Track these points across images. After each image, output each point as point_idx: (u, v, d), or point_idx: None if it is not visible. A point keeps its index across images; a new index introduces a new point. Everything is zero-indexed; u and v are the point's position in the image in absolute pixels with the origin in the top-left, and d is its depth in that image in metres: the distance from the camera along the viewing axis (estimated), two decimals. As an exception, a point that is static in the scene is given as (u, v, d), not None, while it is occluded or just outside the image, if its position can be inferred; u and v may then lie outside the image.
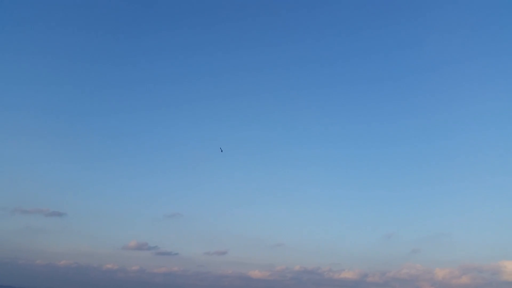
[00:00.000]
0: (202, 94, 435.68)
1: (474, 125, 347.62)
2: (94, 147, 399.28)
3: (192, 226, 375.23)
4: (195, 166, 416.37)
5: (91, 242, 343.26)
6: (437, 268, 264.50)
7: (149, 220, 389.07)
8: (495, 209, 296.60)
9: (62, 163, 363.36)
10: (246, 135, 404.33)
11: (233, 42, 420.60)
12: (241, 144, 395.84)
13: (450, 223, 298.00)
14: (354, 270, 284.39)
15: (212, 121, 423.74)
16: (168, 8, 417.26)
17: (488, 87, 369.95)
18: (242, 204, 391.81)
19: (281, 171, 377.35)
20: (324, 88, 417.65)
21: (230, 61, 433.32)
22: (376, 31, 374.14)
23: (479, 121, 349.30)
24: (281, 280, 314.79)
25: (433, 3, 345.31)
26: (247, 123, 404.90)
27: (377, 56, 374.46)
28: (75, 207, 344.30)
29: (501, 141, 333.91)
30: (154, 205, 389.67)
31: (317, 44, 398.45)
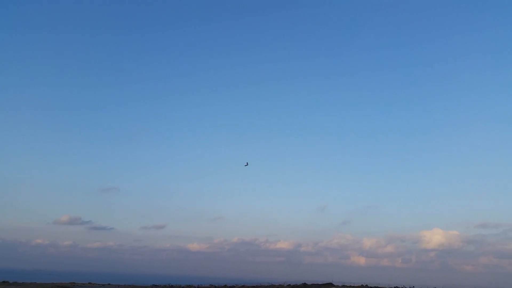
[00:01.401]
0: (141, 73, 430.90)
1: (401, 105, 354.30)
2: (25, 118, 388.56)
3: (128, 200, 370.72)
4: (132, 139, 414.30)
5: (18, 216, 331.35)
6: (365, 238, 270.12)
7: (83, 194, 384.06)
8: (417, 184, 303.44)
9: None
10: (186, 112, 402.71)
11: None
12: (181, 119, 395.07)
13: (378, 196, 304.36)
14: (289, 241, 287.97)
15: (152, 96, 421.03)
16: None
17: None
18: (181, 178, 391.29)
19: (219, 146, 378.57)
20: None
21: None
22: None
23: (406, 102, 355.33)
24: (220, 252, 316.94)
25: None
26: (187, 101, 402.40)
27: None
28: (1, 179, 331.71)
29: (424, 121, 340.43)
30: (88, 178, 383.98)
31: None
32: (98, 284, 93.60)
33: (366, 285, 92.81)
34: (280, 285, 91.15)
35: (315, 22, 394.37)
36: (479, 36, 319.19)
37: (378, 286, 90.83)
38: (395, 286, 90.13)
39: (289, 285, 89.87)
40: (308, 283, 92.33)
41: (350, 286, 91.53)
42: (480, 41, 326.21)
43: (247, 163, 39.53)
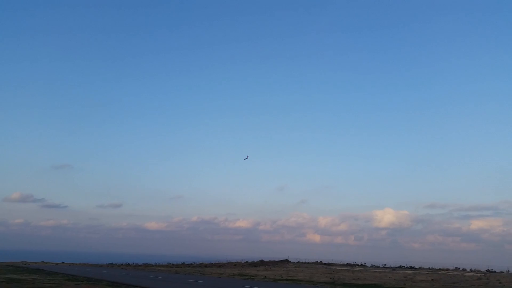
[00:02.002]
0: (100, 51, 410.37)
1: (357, 87, 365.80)
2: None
3: (84, 178, 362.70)
4: (87, 115, 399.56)
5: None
6: (321, 216, 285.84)
7: (35, 171, 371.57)
8: (371, 166, 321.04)
9: None
10: (144, 92, 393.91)
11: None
12: (139, 99, 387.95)
13: (335, 177, 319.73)
14: (248, 219, 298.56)
15: (109, 76, 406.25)
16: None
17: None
18: (139, 156, 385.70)
19: (179, 126, 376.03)
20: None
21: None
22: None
23: (363, 83, 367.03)
24: (178, 230, 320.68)
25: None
26: (144, 81, 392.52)
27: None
28: None
29: (378, 103, 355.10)
30: (41, 155, 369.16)
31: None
32: (51, 263, 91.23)
33: (321, 261, 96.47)
34: (238, 262, 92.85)
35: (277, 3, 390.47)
36: (445, 21, 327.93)
37: (332, 262, 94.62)
38: (347, 262, 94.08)
39: (246, 262, 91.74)
40: (265, 259, 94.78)
41: (305, 262, 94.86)
42: (447, 26, 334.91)
43: (247, 156, 39.57)
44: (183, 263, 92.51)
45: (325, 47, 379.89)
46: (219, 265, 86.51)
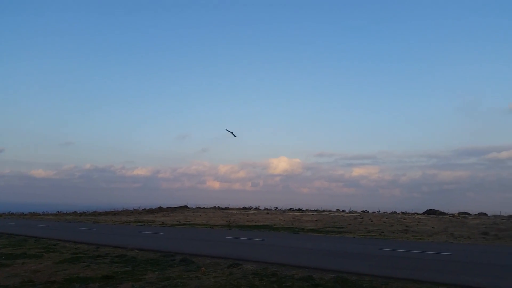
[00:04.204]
0: None
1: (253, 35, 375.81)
2: None
3: None
4: None
5: None
6: (221, 164, 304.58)
7: None
8: (269, 116, 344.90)
9: None
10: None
11: None
12: (25, 34, 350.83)
13: (236, 125, 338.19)
14: (147, 167, 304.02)
15: None
16: None
17: None
18: (24, 97, 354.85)
19: (66, 61, 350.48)
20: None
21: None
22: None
23: (253, 32, 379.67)
24: (69, 179, 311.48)
25: None
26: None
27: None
28: None
29: (280, 56, 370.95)
30: None
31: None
32: None
33: (218, 206, 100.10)
34: (135, 209, 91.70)
35: None
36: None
37: (229, 207, 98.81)
38: (243, 206, 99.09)
39: (144, 209, 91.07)
40: (164, 206, 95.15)
41: (204, 208, 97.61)
42: None
43: (232, 133, 36.57)
44: (75, 212, 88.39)
45: None
46: (115, 213, 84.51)
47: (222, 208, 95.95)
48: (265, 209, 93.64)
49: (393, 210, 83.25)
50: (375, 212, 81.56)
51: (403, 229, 39.10)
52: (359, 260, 18.14)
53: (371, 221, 52.53)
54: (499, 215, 65.96)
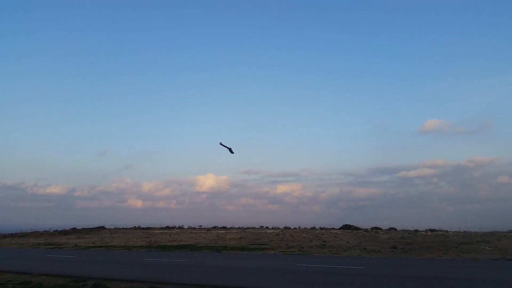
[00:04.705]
0: None
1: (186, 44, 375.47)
2: None
3: None
4: None
5: None
6: (145, 182, 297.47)
7: None
8: (196, 132, 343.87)
9: None
10: None
11: None
12: None
13: (162, 141, 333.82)
14: (62, 185, 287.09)
15: None
16: None
17: None
18: None
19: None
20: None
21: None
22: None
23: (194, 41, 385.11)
24: None
25: None
26: None
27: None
28: None
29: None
30: None
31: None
32: None
33: (139, 226, 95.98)
34: (45, 231, 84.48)
35: None
36: None
37: (150, 226, 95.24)
38: (166, 226, 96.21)
39: (56, 230, 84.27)
40: (79, 227, 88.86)
41: (123, 228, 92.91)
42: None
43: (230, 149, 33.45)
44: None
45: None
46: (22, 234, 77.06)
47: (143, 228, 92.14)
48: (189, 228, 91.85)
49: (313, 226, 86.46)
50: (296, 228, 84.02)
51: (320, 244, 40.77)
52: (278, 276, 18.54)
53: (292, 237, 54.05)
54: (407, 230, 71.65)
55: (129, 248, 40.59)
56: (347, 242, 43.49)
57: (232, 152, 34.36)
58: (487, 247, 33.73)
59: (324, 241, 45.10)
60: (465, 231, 57.67)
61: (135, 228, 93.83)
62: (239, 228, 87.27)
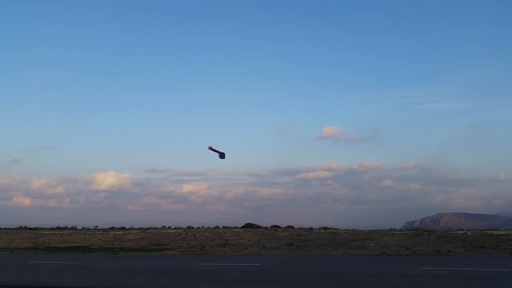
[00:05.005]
0: None
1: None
2: None
3: None
4: None
5: None
6: (35, 178, 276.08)
7: None
8: (98, 129, 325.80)
9: None
10: None
11: None
12: None
13: (57, 135, 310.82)
14: None
15: None
16: None
17: None
18: None
19: None
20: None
21: None
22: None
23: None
24: None
25: None
26: None
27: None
28: None
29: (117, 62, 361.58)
30: None
31: None
32: None
33: (26, 226, 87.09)
34: None
35: None
36: None
37: (39, 227, 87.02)
38: (57, 226, 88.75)
39: None
40: (-52, 228, 77.50)
41: (5, 228, 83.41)
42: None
43: (222, 153, 27.98)
44: None
45: None
46: None
47: (30, 229, 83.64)
48: (83, 228, 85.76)
49: (216, 225, 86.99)
50: (199, 228, 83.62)
51: (222, 243, 41.17)
52: (176, 276, 18.27)
53: (195, 236, 53.69)
54: (303, 228, 75.80)
55: (12, 250, 36.59)
56: (248, 240, 44.57)
57: (222, 158, 32.32)
58: (371, 244, 37.22)
59: (226, 240, 45.62)
60: (353, 229, 62.79)
61: (20, 228, 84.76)
62: (139, 228, 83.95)
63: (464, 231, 47.53)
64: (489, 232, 45.06)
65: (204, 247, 37.54)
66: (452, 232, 47.69)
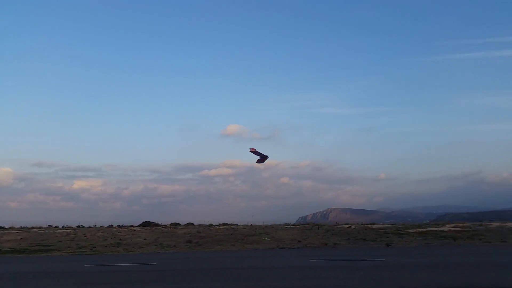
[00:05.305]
0: None
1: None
2: None
3: None
4: None
5: None
6: None
7: None
8: None
9: None
10: None
11: None
12: None
13: None
14: None
15: None
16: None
17: None
18: None
19: None
20: None
21: None
22: None
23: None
24: None
25: None
26: None
27: None
28: None
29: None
30: None
31: None
32: None
33: None
34: None
35: None
36: None
37: None
38: None
39: None
40: None
41: None
42: None
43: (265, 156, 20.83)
44: None
45: None
46: None
47: None
48: (-51, 229, 74.59)
49: (110, 224, 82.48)
50: (91, 227, 78.47)
51: (116, 243, 39.17)
52: (60, 279, 16.89)
53: (85, 236, 50.18)
54: (203, 224, 75.80)
55: None
56: (144, 239, 43.08)
57: (260, 162, 28.35)
58: (266, 238, 38.69)
59: (120, 239, 43.48)
60: (251, 225, 64.65)
61: None
62: (21, 228, 75.79)
63: (349, 225, 52.04)
64: (370, 226, 49.97)
65: (95, 247, 35.32)
66: (339, 226, 51.84)
